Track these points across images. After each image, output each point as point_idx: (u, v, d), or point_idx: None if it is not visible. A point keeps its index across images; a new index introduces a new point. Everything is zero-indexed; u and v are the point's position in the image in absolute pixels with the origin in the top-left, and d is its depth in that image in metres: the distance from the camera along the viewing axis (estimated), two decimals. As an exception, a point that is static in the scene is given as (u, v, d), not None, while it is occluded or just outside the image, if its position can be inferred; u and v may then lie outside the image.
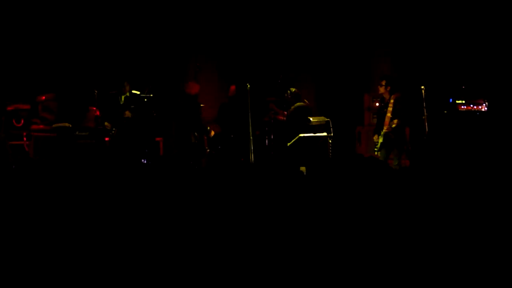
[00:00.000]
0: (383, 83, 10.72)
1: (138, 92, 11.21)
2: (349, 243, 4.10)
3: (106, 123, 11.02)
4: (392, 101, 10.65)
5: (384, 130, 10.59)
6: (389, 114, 10.60)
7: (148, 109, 11.10)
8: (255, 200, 4.92)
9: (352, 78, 13.07)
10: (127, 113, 10.99)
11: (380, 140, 10.67)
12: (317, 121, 11.57)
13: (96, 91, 11.32)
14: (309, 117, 11.57)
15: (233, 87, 12.27)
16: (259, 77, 12.71)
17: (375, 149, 10.77)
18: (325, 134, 11.30)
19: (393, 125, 10.49)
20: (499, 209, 4.67)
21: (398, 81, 11.03)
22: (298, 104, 11.82)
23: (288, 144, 11.30)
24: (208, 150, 11.25)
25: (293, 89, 11.88)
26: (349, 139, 11.90)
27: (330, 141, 11.26)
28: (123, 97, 11.20)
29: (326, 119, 11.47)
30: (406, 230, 4.30)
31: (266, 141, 11.94)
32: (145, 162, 10.59)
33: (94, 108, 11.48)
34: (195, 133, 11.24)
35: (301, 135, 11.27)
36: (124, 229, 4.40)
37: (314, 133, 11.33)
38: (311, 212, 4.65)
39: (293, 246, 4.06)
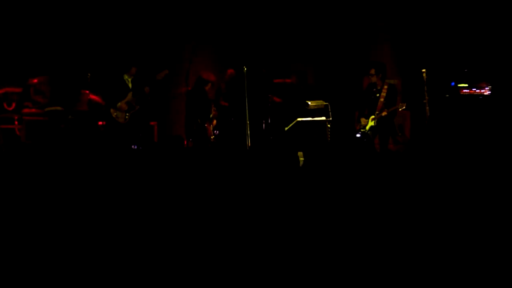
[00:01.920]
0: (373, 71, 10.57)
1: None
2: (344, 235, 4.12)
3: (146, 88, 10.86)
4: (386, 87, 10.53)
5: (377, 115, 10.49)
6: (382, 100, 10.48)
7: (144, 92, 10.92)
8: (251, 190, 4.94)
9: (351, 61, 12.98)
10: (147, 89, 10.76)
11: (371, 124, 10.54)
12: (316, 105, 11.32)
13: (89, 74, 11.27)
14: (307, 101, 11.39)
15: (230, 71, 12.21)
16: (257, 60, 12.65)
17: (359, 131, 10.67)
18: (323, 118, 11.13)
19: (401, 109, 10.44)
20: (501, 200, 4.64)
21: (384, 65, 10.94)
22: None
23: (286, 128, 11.19)
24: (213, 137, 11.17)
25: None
26: (348, 123, 11.65)
27: (329, 125, 11.05)
28: (129, 79, 10.92)
29: (325, 103, 11.26)
30: (399, 223, 4.30)
31: (264, 126, 11.92)
32: (136, 148, 10.42)
33: (87, 92, 11.45)
34: (198, 120, 11.18)
35: (299, 119, 11.09)
36: (118, 220, 4.47)
37: (313, 117, 11.15)
38: (306, 200, 4.69)
39: (288, 239, 4.06)
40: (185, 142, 11.19)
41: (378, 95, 10.52)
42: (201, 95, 11.52)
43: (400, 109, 10.32)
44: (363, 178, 5.72)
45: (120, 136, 10.66)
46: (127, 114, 10.73)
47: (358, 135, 10.72)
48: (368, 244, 3.99)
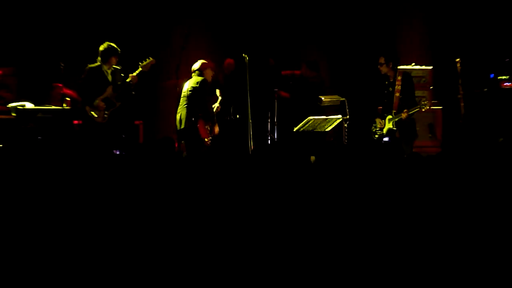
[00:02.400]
0: (382, 60, 9.92)
1: (119, 67, 10.58)
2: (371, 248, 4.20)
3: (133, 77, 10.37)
4: (399, 78, 9.88)
5: (394, 114, 9.85)
6: (397, 94, 9.85)
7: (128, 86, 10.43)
8: (253, 202, 4.90)
9: (373, 49, 11.83)
10: (133, 79, 10.30)
11: (389, 126, 9.89)
12: (330, 101, 11.19)
13: (62, 65, 10.71)
14: (320, 96, 11.19)
15: (229, 61, 12.06)
16: (261, 47, 12.52)
17: (376, 134, 10.07)
18: (339, 116, 10.80)
19: (424, 109, 9.71)
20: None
21: (397, 54, 10.41)
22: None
23: (295, 129, 10.83)
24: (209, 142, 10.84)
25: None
26: (369, 122, 10.49)
27: (346, 124, 10.84)
28: (108, 71, 10.38)
29: (341, 98, 11.13)
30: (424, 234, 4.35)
31: (269, 126, 11.62)
32: (118, 153, 10.04)
33: (60, 85, 10.91)
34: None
35: (311, 118, 10.76)
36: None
37: (327, 115, 10.81)
38: (316, 211, 4.68)
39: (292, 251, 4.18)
40: (176, 145, 10.64)
41: (391, 89, 9.95)
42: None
43: (423, 109, 9.74)
44: (387, 188, 5.45)
45: (99, 138, 10.23)
46: (106, 112, 10.32)
47: (385, 139, 10.01)
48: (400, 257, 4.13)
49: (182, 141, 10.82)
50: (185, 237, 4.37)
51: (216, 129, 10.81)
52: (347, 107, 11.04)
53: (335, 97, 11.31)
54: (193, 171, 6.43)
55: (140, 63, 10.35)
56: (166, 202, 4.96)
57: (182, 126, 10.56)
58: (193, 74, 10.77)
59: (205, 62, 10.79)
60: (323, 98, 11.20)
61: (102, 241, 4.35)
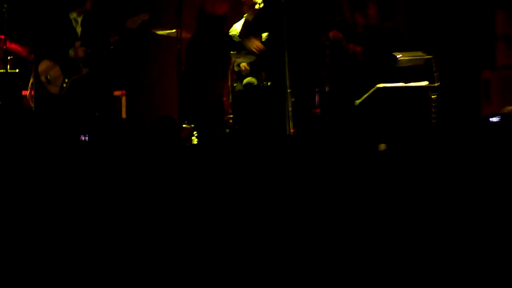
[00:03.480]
0: None
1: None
2: None
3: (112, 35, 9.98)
4: None
5: None
6: None
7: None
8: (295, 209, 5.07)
9: None
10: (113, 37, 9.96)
11: None
12: (411, 59, 9.94)
13: (5, 5, 9.67)
14: (395, 53, 9.95)
15: None
16: None
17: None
18: (425, 83, 9.80)
19: None
20: None
21: None
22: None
23: (357, 102, 9.90)
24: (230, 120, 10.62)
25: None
26: (469, 93, 10.37)
27: (434, 96, 9.68)
28: (78, 19, 9.80)
29: (427, 56, 9.84)
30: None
31: (317, 97, 10.82)
32: (87, 139, 9.24)
33: (2, 37, 10.04)
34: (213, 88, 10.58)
35: (381, 85, 9.79)
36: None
37: (405, 82, 9.84)
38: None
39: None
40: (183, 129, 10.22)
41: None
42: (212, 43, 10.32)
43: None
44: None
45: (55, 117, 9.64)
46: (66, 80, 9.74)
47: (494, 119, 9.44)
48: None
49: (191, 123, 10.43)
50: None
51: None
52: (435, 69, 9.76)
53: (417, 54, 10.05)
54: (210, 165, 6.45)
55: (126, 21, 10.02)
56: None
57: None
58: None
59: None
60: (399, 56, 9.97)
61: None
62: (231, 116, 10.59)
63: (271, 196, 5.39)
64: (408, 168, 6.84)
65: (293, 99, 10.11)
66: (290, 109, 9.87)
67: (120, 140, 9.57)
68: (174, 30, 10.47)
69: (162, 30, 11.07)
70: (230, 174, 6.55)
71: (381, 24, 10.92)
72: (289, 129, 9.87)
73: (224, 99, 10.59)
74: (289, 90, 9.90)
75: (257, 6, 11.16)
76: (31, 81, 9.92)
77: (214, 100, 10.55)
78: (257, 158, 7.31)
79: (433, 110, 9.86)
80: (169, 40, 10.92)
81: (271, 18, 10.72)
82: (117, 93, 10.99)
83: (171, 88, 10.94)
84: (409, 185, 5.75)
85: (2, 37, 10.05)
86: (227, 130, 10.78)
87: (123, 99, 11.29)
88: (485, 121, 9.86)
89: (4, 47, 9.98)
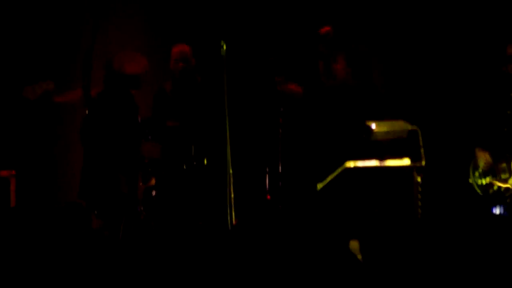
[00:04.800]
0: None
1: None
2: None
3: None
4: None
5: None
6: None
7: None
8: None
9: (468, 31, 11.01)
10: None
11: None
12: (389, 131, 9.24)
13: None
14: (368, 122, 9.23)
15: (181, 49, 10.26)
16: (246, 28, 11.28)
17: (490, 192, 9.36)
18: (406, 161, 9.00)
19: None
20: None
21: None
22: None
23: (320, 185, 9.11)
24: (142, 209, 9.62)
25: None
26: (464, 173, 9.70)
27: (420, 178, 8.91)
28: None
29: (410, 127, 9.09)
30: None
31: (267, 178, 10.21)
32: None
33: None
34: (124, 175, 9.67)
35: (350, 164, 9.03)
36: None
37: (381, 159, 9.05)
38: None
39: None
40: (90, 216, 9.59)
41: None
42: (120, 108, 9.63)
43: None
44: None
45: None
46: None
47: (497, 210, 9.36)
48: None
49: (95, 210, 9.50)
50: None
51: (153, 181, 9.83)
52: (421, 143, 9.04)
53: (398, 124, 9.28)
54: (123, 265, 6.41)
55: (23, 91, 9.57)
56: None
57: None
58: None
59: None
60: (374, 125, 9.24)
61: None
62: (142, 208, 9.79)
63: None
64: (387, 275, 6.60)
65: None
66: (232, 195, 9.20)
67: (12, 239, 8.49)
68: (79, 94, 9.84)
69: (65, 97, 10.45)
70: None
71: (351, 83, 10.38)
72: (231, 220, 9.23)
73: (140, 184, 9.72)
74: (231, 171, 9.24)
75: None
76: None
77: (119, 184, 9.79)
78: (187, 259, 7.04)
79: (418, 197, 8.94)
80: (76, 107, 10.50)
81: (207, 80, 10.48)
82: (3, 173, 10.52)
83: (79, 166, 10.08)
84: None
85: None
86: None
87: (12, 182, 10.63)
88: (486, 214, 9.35)
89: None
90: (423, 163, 8.78)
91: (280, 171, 9.96)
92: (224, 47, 9.46)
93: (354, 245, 7.91)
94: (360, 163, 9.03)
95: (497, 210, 9.31)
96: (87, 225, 9.34)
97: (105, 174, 9.47)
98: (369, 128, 9.15)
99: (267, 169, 10.17)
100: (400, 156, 9.03)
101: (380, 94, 10.46)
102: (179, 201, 10.12)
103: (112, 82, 9.64)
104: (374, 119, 9.38)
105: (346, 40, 10.93)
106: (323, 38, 10.39)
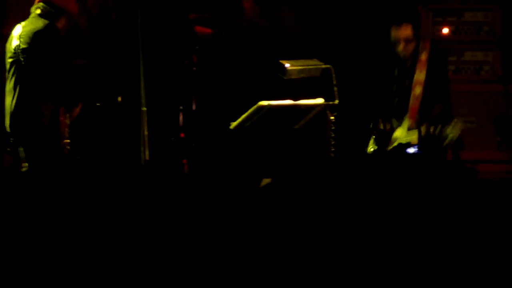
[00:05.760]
0: (409, 30, 9.11)
1: None
2: None
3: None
4: (424, 57, 9.35)
5: (409, 119, 9.37)
6: (418, 90, 9.36)
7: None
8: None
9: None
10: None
11: (410, 138, 9.37)
12: (303, 69, 9.21)
13: None
14: (281, 61, 9.14)
15: None
16: None
17: (371, 146, 9.63)
18: (320, 100, 8.94)
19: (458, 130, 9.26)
20: None
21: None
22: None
23: (233, 124, 9.00)
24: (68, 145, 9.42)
25: None
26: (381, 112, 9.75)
27: (333, 117, 8.94)
28: None
29: (324, 65, 9.07)
30: None
31: (181, 118, 10.19)
32: None
33: None
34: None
35: (264, 102, 8.81)
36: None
37: (296, 99, 9.00)
38: None
39: None
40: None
41: (408, 82, 9.46)
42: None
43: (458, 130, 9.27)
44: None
45: None
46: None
47: (412, 150, 9.27)
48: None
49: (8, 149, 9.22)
50: None
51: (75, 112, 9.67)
52: (334, 81, 9.09)
53: (311, 62, 9.27)
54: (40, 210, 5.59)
55: None
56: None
57: (8, 123, 9.11)
58: (31, 16, 9.25)
59: None
60: (287, 65, 9.19)
61: None
62: (68, 141, 9.37)
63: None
64: (297, 212, 5.92)
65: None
66: (146, 132, 9.19)
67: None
68: None
69: None
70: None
71: (261, 22, 10.56)
72: (144, 157, 9.28)
73: (61, 118, 9.31)
74: (144, 109, 9.19)
75: None
76: None
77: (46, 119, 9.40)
78: (100, 192, 6.19)
79: (331, 135, 8.97)
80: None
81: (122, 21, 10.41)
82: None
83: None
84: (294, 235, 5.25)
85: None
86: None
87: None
88: (399, 152, 9.37)
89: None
90: (336, 102, 8.82)
91: (194, 109, 10.08)
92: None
93: (265, 181, 7.26)
94: (274, 102, 8.94)
95: (410, 150, 9.39)
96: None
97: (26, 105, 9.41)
98: (283, 66, 9.14)
99: (181, 107, 10.21)
100: (313, 95, 9.12)
101: (290, 35, 10.85)
102: (94, 138, 10.15)
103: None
104: (288, 58, 9.40)
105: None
106: None
